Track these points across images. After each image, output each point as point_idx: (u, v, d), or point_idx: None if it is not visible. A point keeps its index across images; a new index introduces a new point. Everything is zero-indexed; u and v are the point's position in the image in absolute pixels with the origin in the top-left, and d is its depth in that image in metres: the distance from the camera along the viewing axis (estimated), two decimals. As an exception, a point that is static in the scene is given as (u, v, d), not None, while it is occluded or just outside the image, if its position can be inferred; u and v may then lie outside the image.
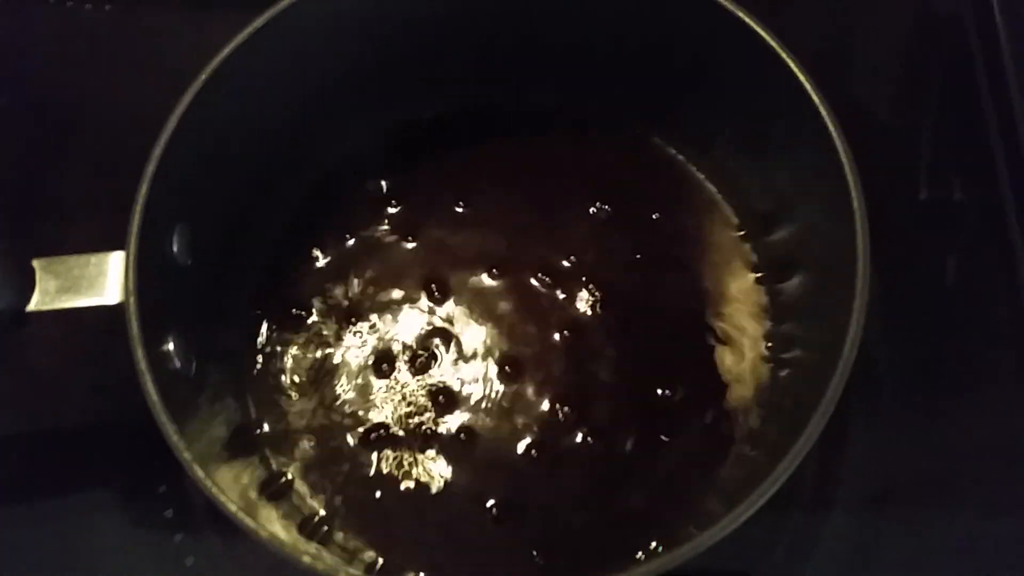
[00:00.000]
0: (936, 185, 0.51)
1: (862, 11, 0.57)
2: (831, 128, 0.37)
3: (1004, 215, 0.50)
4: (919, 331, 0.48)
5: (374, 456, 0.43)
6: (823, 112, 0.38)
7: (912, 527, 0.43)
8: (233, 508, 0.32)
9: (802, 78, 0.38)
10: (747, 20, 0.39)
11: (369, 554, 0.41)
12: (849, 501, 0.44)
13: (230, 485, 0.37)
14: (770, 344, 0.45)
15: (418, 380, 0.45)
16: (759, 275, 0.46)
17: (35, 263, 0.37)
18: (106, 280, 0.36)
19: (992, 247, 0.50)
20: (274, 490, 0.42)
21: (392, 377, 0.45)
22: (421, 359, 0.45)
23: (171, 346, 0.37)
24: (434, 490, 0.42)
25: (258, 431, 0.44)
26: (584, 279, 0.46)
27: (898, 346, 0.47)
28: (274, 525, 0.38)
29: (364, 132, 0.48)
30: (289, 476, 0.43)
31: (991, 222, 0.50)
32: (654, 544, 0.40)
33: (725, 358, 0.45)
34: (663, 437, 0.43)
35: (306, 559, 0.31)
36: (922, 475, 0.45)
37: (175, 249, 0.39)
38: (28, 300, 0.36)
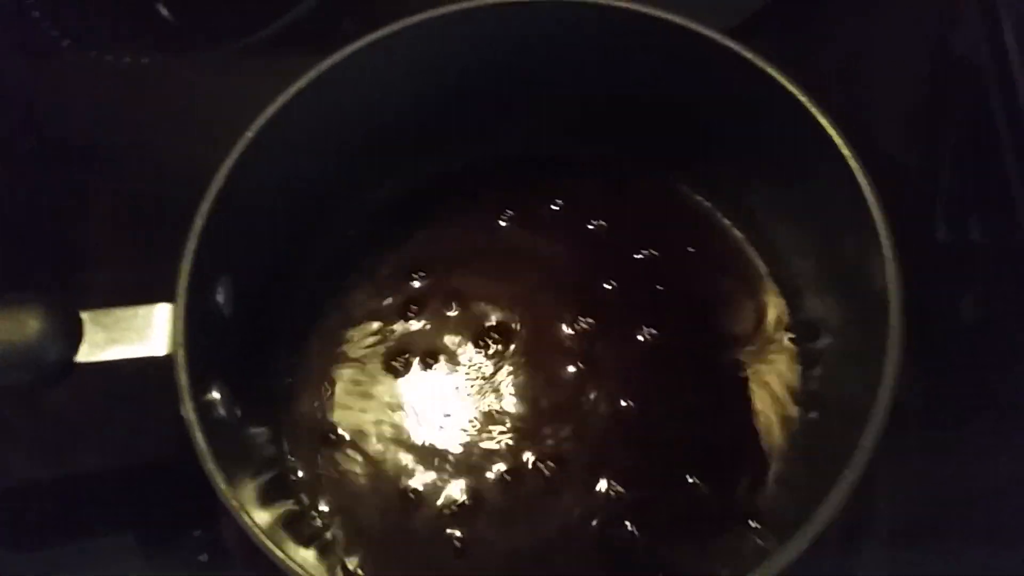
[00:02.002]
0: (953, 225, 0.52)
1: (879, 52, 0.57)
2: (861, 180, 0.38)
3: (1022, 255, 0.50)
4: (940, 368, 0.48)
5: (409, 506, 0.43)
6: (853, 165, 0.38)
7: (943, 561, 0.43)
8: (280, 555, 0.32)
9: (833, 132, 0.39)
10: (774, 73, 0.40)
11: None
12: (879, 535, 0.44)
13: (271, 531, 0.37)
14: (801, 387, 0.45)
15: (457, 430, 0.45)
16: (788, 322, 0.47)
17: (83, 315, 0.38)
18: (153, 331, 0.37)
19: (1010, 286, 0.50)
20: (308, 535, 0.42)
21: (431, 426, 0.45)
22: (459, 408, 0.45)
23: (216, 395, 0.38)
24: (468, 544, 0.42)
25: (293, 478, 0.44)
26: (609, 326, 0.47)
27: (921, 383, 0.46)
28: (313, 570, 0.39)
29: (401, 183, 0.49)
30: (322, 523, 0.43)
31: (1009, 262, 0.51)
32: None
33: (752, 402, 0.45)
34: (692, 479, 0.43)
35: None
36: (950, 509, 0.45)
37: (220, 300, 0.40)
38: (76, 351, 0.37)
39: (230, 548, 0.44)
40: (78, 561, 0.45)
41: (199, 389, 0.36)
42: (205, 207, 0.37)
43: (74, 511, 0.47)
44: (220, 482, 0.34)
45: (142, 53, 0.58)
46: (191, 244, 0.37)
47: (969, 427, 0.47)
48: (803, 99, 0.39)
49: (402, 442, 0.45)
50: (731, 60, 0.41)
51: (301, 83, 0.39)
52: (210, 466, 0.34)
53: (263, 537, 0.33)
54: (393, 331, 0.47)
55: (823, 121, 0.39)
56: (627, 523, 0.43)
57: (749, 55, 0.40)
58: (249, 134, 0.38)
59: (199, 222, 0.37)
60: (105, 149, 0.56)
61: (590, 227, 0.49)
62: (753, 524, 0.42)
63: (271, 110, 0.39)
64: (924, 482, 0.45)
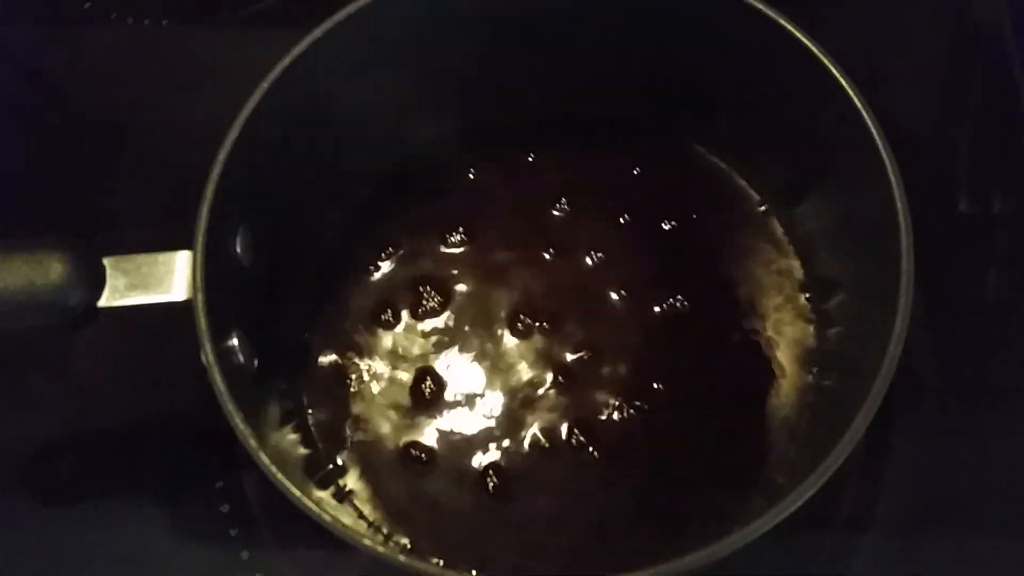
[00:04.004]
0: (976, 198, 0.52)
1: (901, 22, 0.57)
2: (880, 145, 0.38)
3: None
4: (961, 345, 0.48)
5: (424, 458, 0.44)
6: (871, 126, 0.38)
7: (952, 547, 0.43)
8: (296, 494, 0.33)
9: (849, 90, 0.39)
10: (796, 32, 0.40)
11: (405, 541, 0.42)
12: (887, 519, 0.44)
13: (287, 473, 0.38)
14: (813, 348, 0.45)
15: (476, 384, 0.45)
16: (802, 281, 0.47)
17: (105, 261, 0.38)
18: (173, 278, 0.38)
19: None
20: (325, 483, 0.43)
21: (448, 380, 0.46)
22: (478, 361, 0.46)
23: (235, 342, 0.39)
24: (484, 500, 0.43)
25: (312, 428, 0.45)
26: (623, 287, 0.47)
27: (940, 360, 0.47)
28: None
29: (420, 141, 0.50)
30: (339, 472, 0.44)
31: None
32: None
33: (768, 362, 0.45)
34: (704, 438, 0.44)
35: (367, 542, 0.32)
36: (963, 494, 0.44)
37: (238, 250, 0.40)
38: (99, 296, 0.38)
39: (251, 498, 0.45)
40: (103, 514, 0.46)
41: (218, 335, 0.37)
42: (222, 156, 0.38)
43: (98, 466, 0.48)
44: (239, 422, 0.34)
45: (161, 15, 0.59)
46: (209, 191, 0.37)
47: (988, 405, 0.46)
48: (814, 49, 0.39)
49: (420, 395, 0.45)
50: (742, 13, 0.41)
51: (316, 33, 0.40)
52: (229, 407, 0.35)
53: (280, 475, 0.34)
54: (413, 285, 0.48)
55: (835, 71, 0.39)
56: (642, 479, 0.43)
57: (759, 6, 0.40)
58: (265, 84, 0.39)
59: (216, 170, 0.38)
60: (126, 109, 0.57)
61: (604, 187, 0.50)
62: (764, 483, 0.42)
63: (287, 59, 0.39)
64: (939, 467, 0.45)
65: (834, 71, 0.40)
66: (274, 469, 0.33)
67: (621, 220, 0.49)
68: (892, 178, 0.38)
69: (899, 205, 0.37)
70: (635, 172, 0.50)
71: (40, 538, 0.45)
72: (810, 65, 0.40)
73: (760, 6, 0.41)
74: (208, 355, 0.35)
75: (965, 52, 0.57)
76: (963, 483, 0.44)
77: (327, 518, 0.32)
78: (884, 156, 0.38)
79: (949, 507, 0.44)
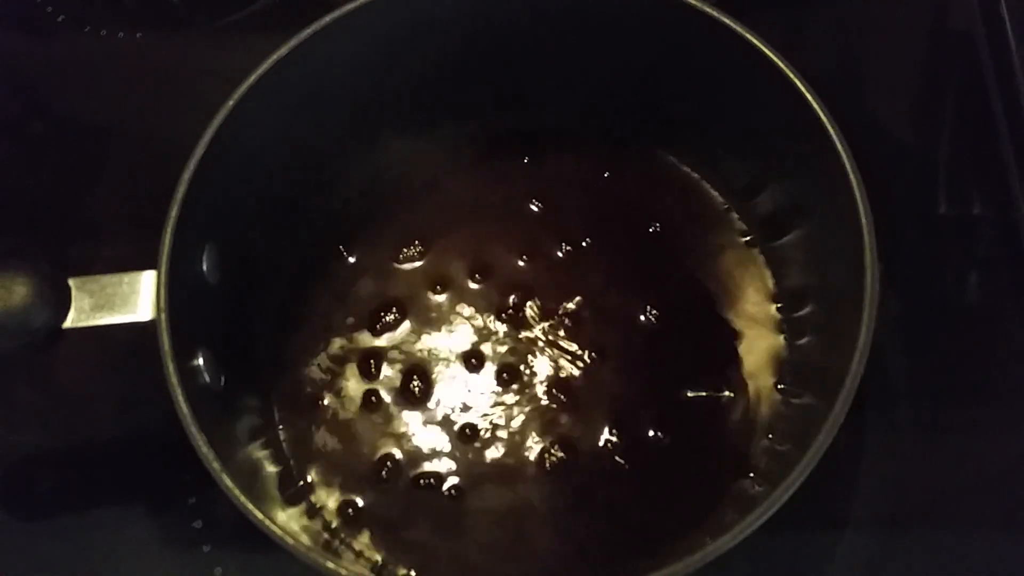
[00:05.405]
0: (954, 200, 0.52)
1: (875, 29, 0.57)
2: (838, 144, 0.38)
3: (1022, 229, 0.50)
4: (938, 347, 0.48)
5: (394, 472, 0.44)
6: (829, 127, 0.38)
7: (927, 547, 0.43)
8: (259, 516, 0.33)
9: (805, 92, 0.39)
10: (752, 39, 0.40)
11: (377, 557, 0.42)
12: (863, 520, 0.44)
13: (256, 494, 0.38)
14: (784, 358, 0.45)
15: (449, 399, 0.45)
16: (771, 289, 0.47)
17: (71, 282, 0.38)
18: (139, 298, 0.37)
19: (1012, 261, 0.50)
20: (296, 499, 0.43)
21: (420, 395, 0.46)
22: (452, 377, 0.46)
23: (200, 361, 0.39)
24: (454, 512, 0.43)
25: (283, 445, 0.45)
26: (593, 293, 0.47)
27: (917, 362, 0.47)
28: (294, 529, 0.39)
29: (388, 155, 0.50)
30: (310, 488, 0.44)
31: (1011, 236, 0.51)
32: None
33: (739, 371, 0.45)
34: (676, 449, 0.44)
35: (330, 565, 0.32)
36: (938, 493, 0.45)
37: (204, 268, 0.40)
38: (64, 317, 0.38)
39: (224, 515, 0.45)
40: (77, 530, 0.46)
41: (183, 355, 0.37)
42: (186, 175, 0.38)
43: (72, 482, 0.48)
44: (201, 444, 0.34)
45: (136, 28, 0.58)
46: (173, 211, 0.37)
47: (964, 407, 0.47)
48: (773, 57, 0.39)
49: (391, 409, 0.45)
50: (708, 24, 0.41)
51: (282, 51, 0.40)
52: (192, 429, 0.35)
53: (243, 498, 0.34)
54: (384, 297, 0.48)
55: (795, 80, 0.39)
56: (616, 493, 0.43)
57: (725, 19, 0.40)
58: (230, 102, 0.39)
59: (181, 190, 0.38)
60: (100, 121, 0.56)
61: (572, 196, 0.50)
62: (735, 494, 0.42)
63: (252, 78, 0.39)
64: (914, 466, 0.45)
65: (792, 76, 0.39)
66: (237, 492, 0.33)
67: (589, 229, 0.49)
68: (856, 189, 0.37)
69: (864, 219, 0.37)
70: (605, 176, 0.50)
71: (13, 553, 0.45)
72: (772, 75, 0.40)
73: (728, 20, 0.41)
74: (171, 376, 0.35)
75: (940, 58, 0.57)
76: (938, 482, 0.45)
77: (290, 540, 0.32)
78: (847, 165, 0.38)
79: (925, 505, 0.44)
